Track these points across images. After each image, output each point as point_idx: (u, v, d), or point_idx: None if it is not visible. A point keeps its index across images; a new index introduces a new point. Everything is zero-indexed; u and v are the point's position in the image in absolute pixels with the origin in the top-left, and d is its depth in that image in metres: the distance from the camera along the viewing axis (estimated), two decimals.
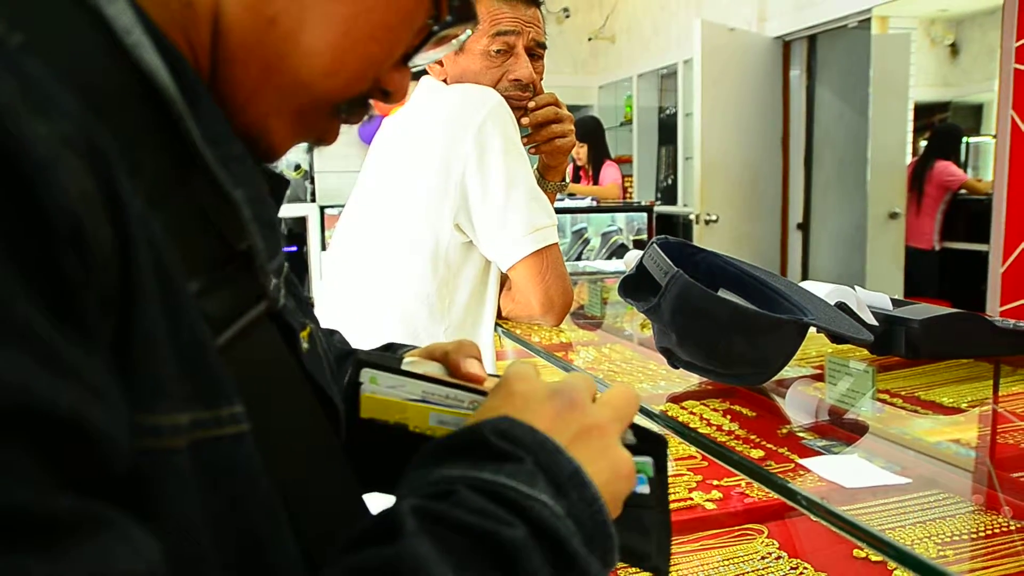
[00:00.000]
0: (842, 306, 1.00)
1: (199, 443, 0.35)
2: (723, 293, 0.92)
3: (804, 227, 4.78)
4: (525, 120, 1.43)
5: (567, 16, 6.93)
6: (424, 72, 1.48)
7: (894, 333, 1.02)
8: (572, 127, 1.49)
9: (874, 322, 1.01)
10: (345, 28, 0.45)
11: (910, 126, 4.86)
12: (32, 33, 0.34)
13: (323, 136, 0.51)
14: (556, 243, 1.32)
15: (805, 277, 4.74)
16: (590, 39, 6.86)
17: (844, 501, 0.97)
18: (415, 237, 1.32)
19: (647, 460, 0.50)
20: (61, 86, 0.32)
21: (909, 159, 4.80)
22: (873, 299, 1.07)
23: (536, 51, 1.44)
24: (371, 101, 0.52)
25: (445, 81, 1.44)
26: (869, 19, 4.22)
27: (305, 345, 0.51)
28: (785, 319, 0.85)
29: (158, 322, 0.33)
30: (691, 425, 1.08)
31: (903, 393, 1.08)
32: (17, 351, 0.27)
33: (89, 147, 0.31)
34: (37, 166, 0.28)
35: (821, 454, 0.96)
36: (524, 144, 1.38)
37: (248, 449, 0.38)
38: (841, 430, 1.06)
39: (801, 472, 0.87)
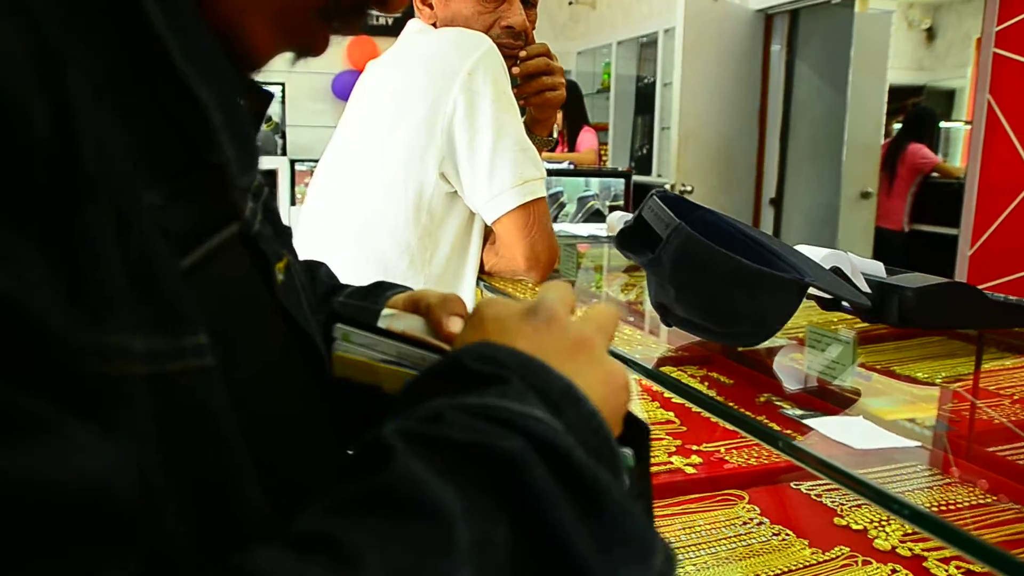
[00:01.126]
0: (837, 271, 0.97)
1: (157, 376, 0.31)
2: None
3: (776, 202, 4.78)
4: (516, 70, 1.38)
5: None
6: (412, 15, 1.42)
7: (887, 301, 1.00)
8: (563, 80, 1.45)
9: (868, 289, 1.00)
10: None
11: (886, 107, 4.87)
12: None
13: (309, 45, 0.46)
14: (544, 197, 1.28)
15: None
16: (570, 3, 6.77)
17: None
18: (397, 184, 1.27)
19: (627, 452, 0.44)
20: None
21: (883, 140, 4.82)
22: (867, 266, 1.05)
23: None
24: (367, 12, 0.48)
25: (434, 25, 1.38)
26: None
27: (280, 277, 0.46)
28: (787, 278, 0.82)
29: (105, 228, 0.29)
30: (665, 394, 1.05)
31: (879, 367, 1.08)
32: None
33: (40, 50, 0.27)
34: None
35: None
36: (514, 94, 1.34)
37: (212, 385, 0.34)
38: (819, 400, 1.05)
39: (798, 432, 0.85)
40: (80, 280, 0.28)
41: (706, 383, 1.06)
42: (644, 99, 6.06)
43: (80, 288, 0.28)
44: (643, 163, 5.89)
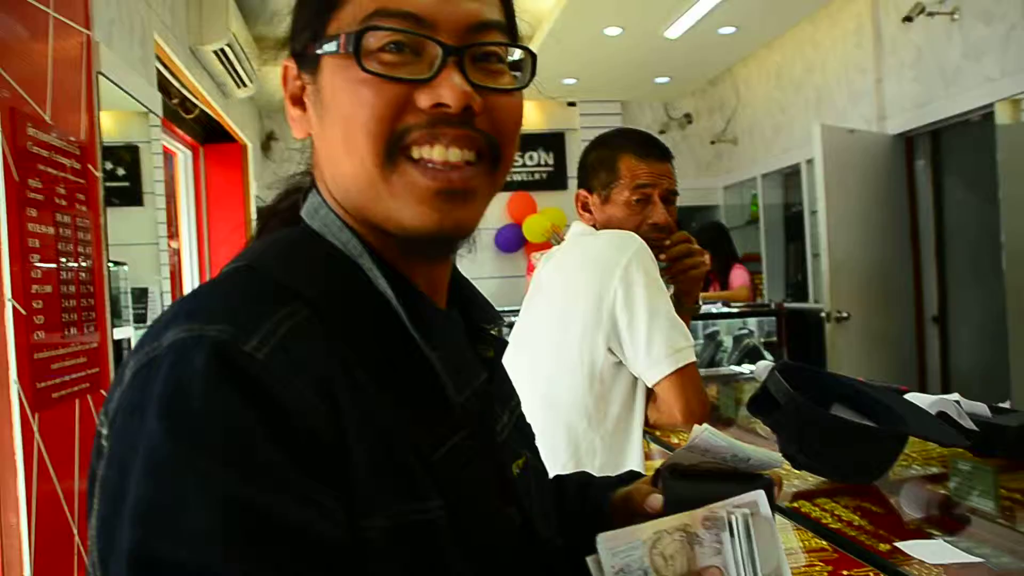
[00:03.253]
0: (943, 415, 1.18)
1: (406, 526, 0.52)
2: (836, 408, 1.14)
3: (940, 320, 4.71)
4: (663, 256, 1.70)
5: (689, 122, 7.24)
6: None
7: (992, 437, 1.19)
8: (704, 259, 1.75)
9: (974, 427, 1.19)
10: (339, 127, 0.61)
11: None
12: (325, 309, 0.56)
13: (432, 179, 0.60)
14: (694, 361, 1.56)
15: (945, 374, 4.63)
16: (712, 142, 7.11)
17: None
18: (574, 359, 1.60)
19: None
20: (312, 343, 0.52)
21: None
22: (974, 408, 1.25)
23: (670, 197, 1.72)
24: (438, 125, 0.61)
25: (595, 226, 1.74)
26: (991, 112, 4.25)
27: (516, 471, 0.67)
28: (884, 430, 1.05)
29: (367, 463, 0.52)
30: (823, 521, 1.26)
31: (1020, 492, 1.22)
32: (288, 496, 0.48)
33: (322, 384, 0.52)
34: (288, 401, 0.50)
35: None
36: (663, 276, 1.65)
37: (444, 533, 0.55)
38: (963, 525, 1.21)
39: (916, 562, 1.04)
40: (360, 492, 0.51)
41: (859, 512, 1.24)
42: (794, 226, 6.13)
43: (353, 496, 0.51)
44: (799, 289, 5.94)
